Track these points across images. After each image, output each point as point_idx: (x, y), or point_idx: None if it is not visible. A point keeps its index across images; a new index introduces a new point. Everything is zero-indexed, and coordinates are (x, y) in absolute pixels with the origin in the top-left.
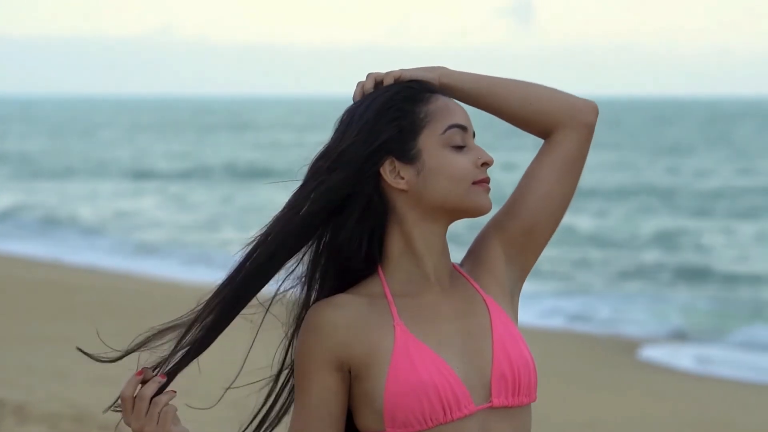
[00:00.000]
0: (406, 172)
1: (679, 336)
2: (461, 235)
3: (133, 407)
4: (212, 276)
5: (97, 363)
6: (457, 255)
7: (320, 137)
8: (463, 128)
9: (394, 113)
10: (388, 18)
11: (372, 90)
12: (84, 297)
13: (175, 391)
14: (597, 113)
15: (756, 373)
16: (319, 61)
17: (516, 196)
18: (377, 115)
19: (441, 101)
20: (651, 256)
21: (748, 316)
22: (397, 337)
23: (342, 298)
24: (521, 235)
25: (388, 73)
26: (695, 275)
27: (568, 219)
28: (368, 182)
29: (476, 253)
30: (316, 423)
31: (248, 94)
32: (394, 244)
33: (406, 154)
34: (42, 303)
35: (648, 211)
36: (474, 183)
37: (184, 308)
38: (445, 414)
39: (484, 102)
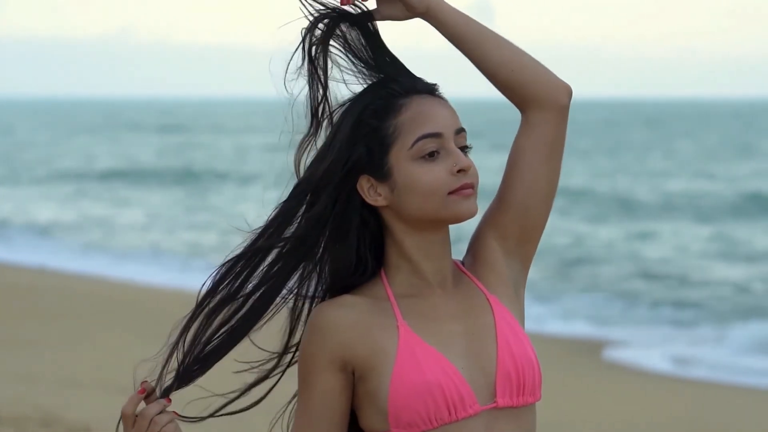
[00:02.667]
0: (383, 188)
1: (644, 336)
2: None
3: (134, 424)
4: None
5: (65, 366)
6: (457, 252)
7: (259, 139)
8: (436, 135)
9: (363, 131)
10: None
11: None
12: (44, 299)
13: (177, 413)
14: (571, 95)
15: (723, 373)
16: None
17: (503, 187)
18: (349, 134)
19: (414, 107)
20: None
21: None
22: (401, 337)
23: (346, 299)
24: (515, 227)
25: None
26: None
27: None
28: (351, 201)
29: (474, 250)
30: (320, 423)
31: (210, 95)
32: (391, 253)
33: (379, 171)
34: (3, 306)
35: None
36: (450, 193)
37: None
38: (449, 414)
39: (468, 49)
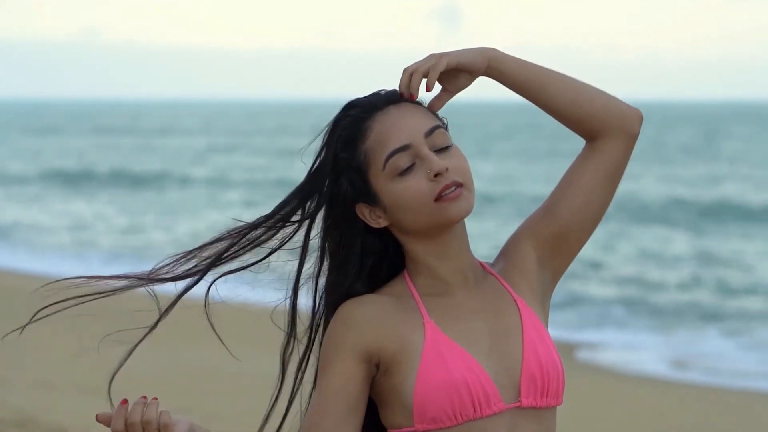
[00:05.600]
0: (379, 211)
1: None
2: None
3: None
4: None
5: (37, 369)
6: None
7: (208, 140)
8: (404, 148)
9: (340, 165)
10: (316, 22)
11: (418, 86)
12: (7, 301)
13: (156, 398)
14: (642, 122)
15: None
16: (249, 64)
17: (553, 200)
18: (330, 172)
19: (377, 127)
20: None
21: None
22: (427, 334)
23: (371, 297)
24: (555, 240)
25: (433, 67)
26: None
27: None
28: (361, 229)
29: (509, 254)
30: (335, 411)
31: (178, 97)
32: (408, 261)
33: (369, 197)
34: None
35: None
36: (436, 200)
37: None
38: (474, 410)
39: (533, 95)
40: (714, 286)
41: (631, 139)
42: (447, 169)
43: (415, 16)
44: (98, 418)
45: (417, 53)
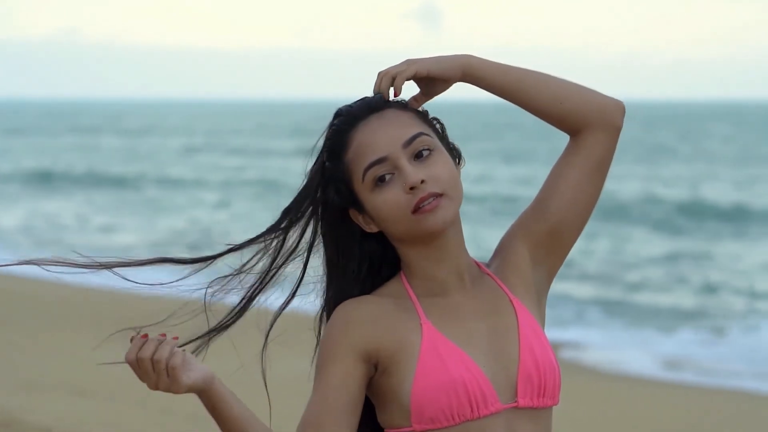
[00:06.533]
0: (368, 218)
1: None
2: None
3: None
4: None
5: (22, 370)
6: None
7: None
8: (381, 161)
9: (327, 174)
10: (294, 22)
11: (387, 89)
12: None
13: (176, 337)
14: (624, 113)
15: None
16: (228, 63)
17: (542, 197)
18: (321, 182)
19: (357, 138)
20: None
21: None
22: (425, 334)
23: (369, 297)
24: (548, 237)
25: (401, 72)
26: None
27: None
28: (357, 233)
29: (503, 254)
30: (335, 407)
31: (157, 97)
32: (403, 264)
33: (357, 205)
34: None
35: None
36: (413, 212)
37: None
38: (472, 410)
39: (512, 96)
40: (695, 285)
41: (614, 131)
42: (423, 181)
43: (393, 16)
44: (131, 340)
45: (395, 53)
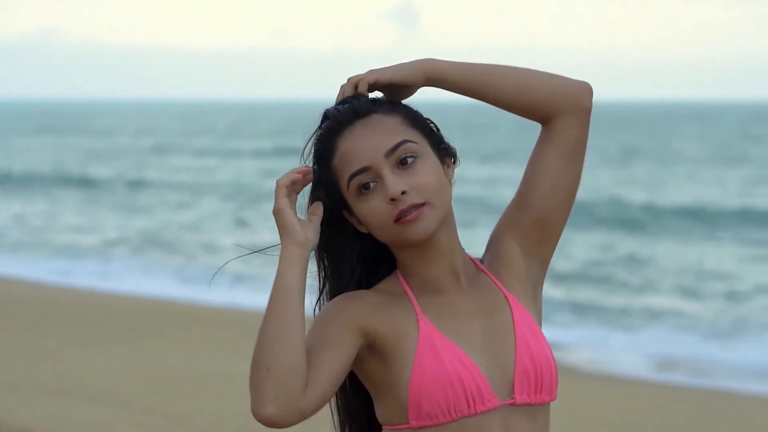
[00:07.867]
0: (359, 219)
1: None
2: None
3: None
4: None
5: (3, 370)
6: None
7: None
8: (364, 170)
9: (317, 177)
10: (269, 21)
11: (351, 94)
12: None
13: (308, 167)
14: (592, 94)
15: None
16: (203, 64)
17: (523, 190)
18: (312, 191)
19: (343, 144)
20: None
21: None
22: (422, 330)
23: (366, 291)
24: (535, 228)
25: (363, 78)
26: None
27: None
28: (351, 232)
29: (494, 249)
30: (315, 349)
31: (129, 97)
32: (398, 264)
33: (347, 208)
34: None
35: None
36: (395, 222)
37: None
38: (469, 407)
39: (477, 93)
40: (667, 285)
41: (583, 113)
42: (404, 192)
43: (370, 16)
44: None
45: (372, 52)
